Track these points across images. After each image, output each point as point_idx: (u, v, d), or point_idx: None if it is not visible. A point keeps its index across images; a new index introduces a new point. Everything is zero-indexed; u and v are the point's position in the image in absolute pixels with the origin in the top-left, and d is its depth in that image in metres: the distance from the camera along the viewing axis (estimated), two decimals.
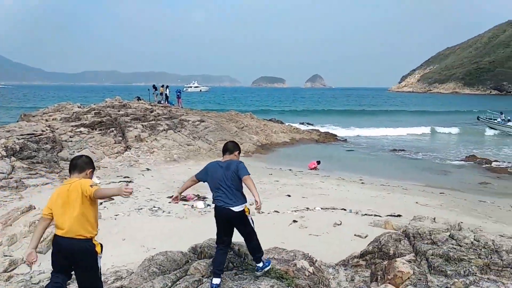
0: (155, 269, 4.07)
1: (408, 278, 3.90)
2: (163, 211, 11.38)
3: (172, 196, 5.06)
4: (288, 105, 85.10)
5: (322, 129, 36.38)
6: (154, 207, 11.76)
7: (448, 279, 3.99)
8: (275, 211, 12.00)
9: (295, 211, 11.85)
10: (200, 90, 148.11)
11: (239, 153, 4.76)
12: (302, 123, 41.54)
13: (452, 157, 25.24)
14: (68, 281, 3.72)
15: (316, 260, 4.92)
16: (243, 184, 4.39)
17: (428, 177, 18.91)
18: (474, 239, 4.70)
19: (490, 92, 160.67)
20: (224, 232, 4.46)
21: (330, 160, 22.55)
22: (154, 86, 34.49)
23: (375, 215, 11.37)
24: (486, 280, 3.92)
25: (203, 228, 8.40)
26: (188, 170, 18.02)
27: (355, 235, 9.37)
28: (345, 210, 12.05)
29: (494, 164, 22.65)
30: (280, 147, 27.14)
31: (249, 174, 4.38)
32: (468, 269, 4.13)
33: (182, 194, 5.04)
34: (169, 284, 3.80)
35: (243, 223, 4.46)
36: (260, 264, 4.48)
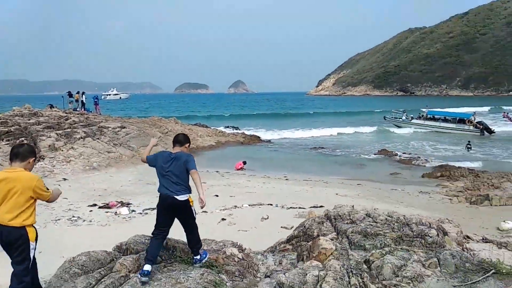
0: (77, 269, 3.83)
1: (331, 253, 4.14)
2: (84, 220, 10.74)
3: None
4: (213, 110, 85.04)
5: (248, 132, 36.92)
6: (74, 216, 11.04)
7: (367, 252, 4.31)
8: (203, 211, 11.92)
9: (223, 209, 11.91)
10: (120, 98, 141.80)
11: (189, 145, 4.78)
12: (228, 127, 41.77)
13: (366, 152, 27.10)
14: None
15: (245, 248, 5.01)
16: (190, 178, 4.45)
17: (346, 171, 20.14)
18: (387, 216, 5.13)
19: (397, 93, 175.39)
20: (164, 221, 4.45)
21: (255, 160, 22.96)
22: (69, 93, 32.40)
23: (300, 208, 11.86)
24: (399, 249, 4.30)
25: (128, 234, 8.05)
26: (110, 178, 17.21)
27: (281, 227, 9.69)
28: (271, 205, 12.39)
29: (403, 156, 24.78)
30: (206, 151, 27.05)
31: (196, 170, 4.45)
32: (384, 242, 4.50)
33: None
34: (93, 283, 3.60)
35: (186, 212, 4.52)
36: (198, 256, 4.53)
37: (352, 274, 3.52)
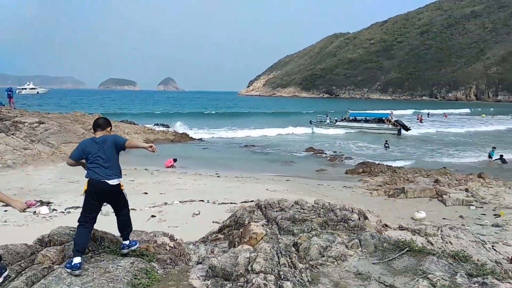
0: None
1: (262, 238, 4.28)
2: None
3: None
4: (141, 108, 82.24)
5: (178, 130, 36.29)
6: None
7: (295, 237, 4.51)
8: (132, 209, 11.52)
9: (153, 207, 11.63)
10: (37, 92, 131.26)
11: (110, 129, 4.64)
12: (157, 124, 40.71)
13: (295, 150, 28.04)
14: None
15: (176, 239, 4.97)
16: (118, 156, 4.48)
17: (276, 168, 20.68)
18: (314, 203, 5.40)
19: (323, 95, 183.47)
20: (94, 207, 4.31)
21: (186, 158, 22.67)
22: None
23: (231, 203, 11.97)
24: (325, 233, 4.56)
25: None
26: (27, 177, 15.98)
27: (213, 221, 9.69)
28: (203, 201, 12.35)
29: (328, 154, 26.04)
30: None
31: (127, 139, 4.55)
32: (311, 227, 4.74)
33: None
34: (13, 276, 3.35)
35: (119, 196, 4.49)
36: (127, 242, 4.45)
37: (281, 255, 3.67)
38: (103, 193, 4.29)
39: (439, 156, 26.64)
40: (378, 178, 17.87)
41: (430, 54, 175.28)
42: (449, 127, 48.92)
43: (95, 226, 4.30)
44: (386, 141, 30.89)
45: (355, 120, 43.73)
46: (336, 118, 45.29)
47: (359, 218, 4.99)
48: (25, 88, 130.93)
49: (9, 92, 30.10)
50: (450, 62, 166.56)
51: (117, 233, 4.57)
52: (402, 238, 4.71)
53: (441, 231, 8.84)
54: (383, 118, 42.11)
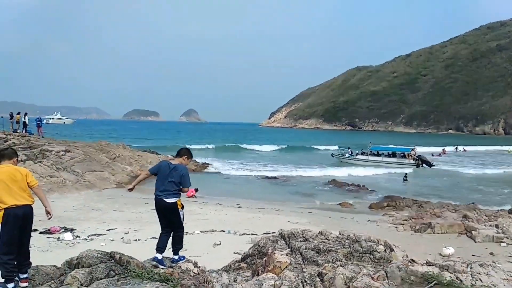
0: None
1: (286, 267, 4.20)
2: None
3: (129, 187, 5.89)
4: (163, 138, 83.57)
5: (200, 161, 36.60)
6: None
7: (320, 267, 4.40)
8: (153, 237, 11.61)
9: None
10: (64, 123, 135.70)
11: (187, 158, 5.60)
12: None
13: (318, 182, 27.73)
14: None
15: (200, 266, 4.95)
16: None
17: (298, 200, 20.46)
18: (339, 234, 5.30)
19: (345, 127, 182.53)
20: (162, 220, 5.30)
21: (208, 188, 22.72)
22: (11, 114, 30.75)
23: (252, 234, 11.85)
24: (350, 264, 4.44)
25: None
26: (52, 204, 16.01)
27: (234, 252, 9.58)
28: (224, 231, 12.28)
29: (351, 187, 25.62)
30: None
31: (190, 186, 5.41)
32: (336, 257, 4.63)
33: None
34: None
35: (174, 213, 5.23)
36: (176, 257, 5.27)
37: (306, 283, 3.59)
38: (162, 209, 5.19)
39: (466, 192, 25.80)
40: (403, 212, 17.42)
41: (455, 87, 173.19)
42: (483, 167, 42.16)
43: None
44: (406, 173, 30.29)
45: (375, 154, 42.92)
46: (357, 152, 44.67)
47: (385, 250, 4.86)
48: (53, 118, 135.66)
49: (38, 122, 31.25)
50: (476, 96, 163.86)
51: (142, 258, 4.71)
52: (430, 271, 4.54)
53: (471, 267, 8.46)
54: (405, 153, 41.23)
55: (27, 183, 4.56)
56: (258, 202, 18.81)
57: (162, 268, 4.78)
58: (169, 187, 5.12)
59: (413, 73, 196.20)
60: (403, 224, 14.88)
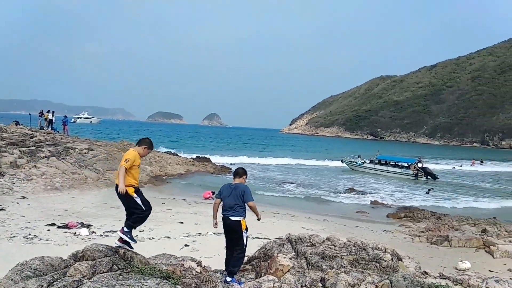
0: (29, 272, 3.69)
1: (288, 270, 4.18)
2: (40, 239, 10.33)
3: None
4: (186, 140, 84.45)
5: (218, 163, 36.86)
6: (30, 234, 10.60)
7: (323, 273, 4.37)
8: (166, 237, 11.75)
9: (187, 236, 11.74)
10: (91, 122, 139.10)
11: (246, 177, 5.90)
12: (199, 157, 41.59)
13: (335, 190, 27.47)
14: None
15: (204, 266, 4.98)
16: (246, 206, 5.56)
17: (313, 206, 20.31)
18: (346, 240, 5.25)
19: (367, 137, 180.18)
20: (227, 239, 5.53)
21: None
22: (40, 112, 31.78)
23: (265, 238, 11.84)
24: (355, 271, 4.39)
25: None
26: (72, 199, 16.69)
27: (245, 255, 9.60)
28: None
29: (370, 196, 25.27)
30: (175, 178, 26.72)
31: (253, 200, 5.64)
32: (341, 264, 4.59)
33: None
34: (45, 285, 3.47)
35: (238, 232, 5.40)
36: (230, 278, 5.18)
37: None
38: (229, 227, 5.39)
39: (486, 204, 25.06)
40: (421, 224, 17.08)
41: (482, 100, 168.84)
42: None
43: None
44: (431, 187, 29.78)
45: (382, 163, 42.75)
46: (365, 160, 44.61)
47: (392, 259, 4.78)
48: (80, 117, 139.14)
49: (64, 120, 32.15)
50: (503, 109, 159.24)
51: (144, 254, 4.74)
52: (437, 283, 4.44)
53: (487, 283, 8.22)
54: (409, 164, 40.95)
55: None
56: (273, 207, 18.76)
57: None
58: (234, 206, 5.42)
59: (438, 84, 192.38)
60: (420, 236, 14.59)
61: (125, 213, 5.07)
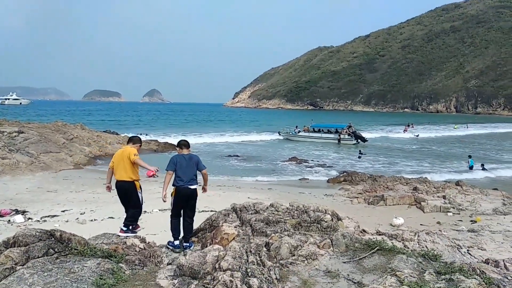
0: None
1: (234, 238, 4.26)
2: None
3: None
4: (124, 119, 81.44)
5: (161, 140, 36.04)
6: None
7: (268, 238, 4.50)
8: (110, 217, 11.44)
9: None
10: (20, 103, 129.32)
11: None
12: (140, 134, 40.35)
13: (278, 159, 28.08)
14: None
15: (149, 242, 4.92)
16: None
17: (258, 177, 20.66)
18: (289, 205, 5.42)
19: (307, 107, 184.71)
20: (181, 207, 5.75)
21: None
22: None
23: (212, 211, 11.87)
24: (298, 234, 4.56)
25: None
26: (3, 186, 15.63)
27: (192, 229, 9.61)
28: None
29: (310, 163, 26.17)
30: None
31: (206, 168, 6.03)
32: (284, 228, 4.75)
33: None
34: None
35: (195, 198, 5.83)
36: (188, 243, 5.45)
37: (251, 253, 3.66)
38: (186, 196, 5.70)
39: (419, 166, 27.00)
40: (359, 186, 18.01)
41: (411, 67, 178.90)
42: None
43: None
44: (360, 150, 31.69)
45: (316, 131, 44.64)
46: (299, 130, 46.28)
47: (332, 219, 5.02)
48: (8, 99, 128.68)
49: None
50: (430, 76, 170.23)
51: (86, 235, 4.53)
52: (374, 238, 4.74)
53: (418, 236, 8.94)
54: (340, 129, 43.21)
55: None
56: (218, 179, 18.84)
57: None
58: (190, 175, 5.79)
59: (371, 54, 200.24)
60: (358, 198, 15.42)
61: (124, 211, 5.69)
